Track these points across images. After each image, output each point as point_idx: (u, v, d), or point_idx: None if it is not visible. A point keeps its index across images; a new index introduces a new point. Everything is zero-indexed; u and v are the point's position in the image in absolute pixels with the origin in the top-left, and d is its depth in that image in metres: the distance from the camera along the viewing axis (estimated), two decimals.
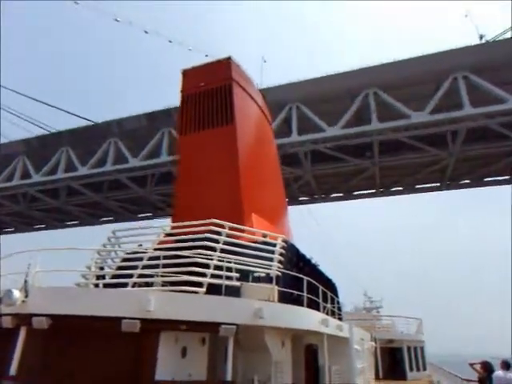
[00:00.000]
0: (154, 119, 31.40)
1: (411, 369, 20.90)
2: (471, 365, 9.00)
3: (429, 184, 33.36)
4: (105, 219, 46.11)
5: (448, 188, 33.00)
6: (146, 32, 41.05)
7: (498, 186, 32.87)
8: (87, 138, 34.79)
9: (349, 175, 32.37)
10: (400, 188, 34.24)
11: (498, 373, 7.85)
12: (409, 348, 21.38)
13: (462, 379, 11.15)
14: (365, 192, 35.12)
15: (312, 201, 36.76)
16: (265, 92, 23.03)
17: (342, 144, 27.43)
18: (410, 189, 33.92)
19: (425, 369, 21.74)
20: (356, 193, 35.52)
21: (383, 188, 34.13)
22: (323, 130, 26.35)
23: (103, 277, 10.33)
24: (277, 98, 25.86)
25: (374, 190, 34.46)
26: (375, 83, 26.19)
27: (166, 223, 12.21)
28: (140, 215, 44.98)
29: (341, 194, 36.10)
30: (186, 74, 15.24)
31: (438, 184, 33.00)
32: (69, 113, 40.86)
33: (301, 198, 36.23)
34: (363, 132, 25.70)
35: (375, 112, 25.19)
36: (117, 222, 44.27)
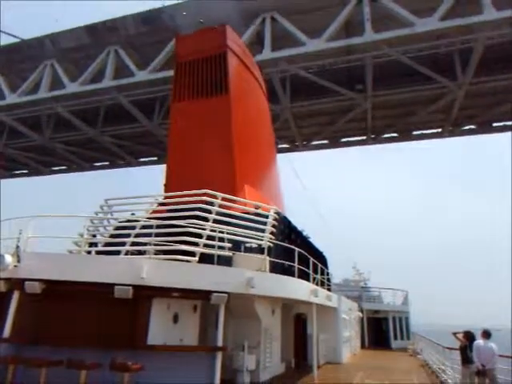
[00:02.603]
0: (97, 34, 24.04)
1: (395, 338, 21.77)
2: (454, 334, 9.35)
3: (428, 130, 28.07)
4: (55, 169, 37.52)
5: (451, 134, 27.39)
6: None
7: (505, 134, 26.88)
8: (15, 61, 26.74)
9: (335, 114, 25.96)
10: (394, 134, 28.26)
11: (479, 341, 8.19)
12: (394, 318, 22.18)
13: (444, 347, 11.62)
14: (354, 139, 29.43)
15: (292, 149, 30.29)
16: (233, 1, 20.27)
17: (328, 67, 21.24)
18: (405, 135, 28.20)
19: (409, 338, 22.66)
20: (344, 140, 29.62)
21: (375, 134, 28.14)
22: (303, 43, 19.89)
23: (96, 244, 10.37)
24: (246, 7, 20.68)
25: (364, 137, 28.60)
26: None
27: (158, 193, 12.15)
28: (96, 164, 36.21)
29: (325, 141, 29.80)
30: (180, 39, 14.74)
31: (440, 130, 27.36)
32: None
33: (279, 146, 28.55)
34: (354, 46, 19.65)
35: (369, 20, 19.01)
36: (69, 172, 36.79)
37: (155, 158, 33.87)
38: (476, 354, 7.90)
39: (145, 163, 34.85)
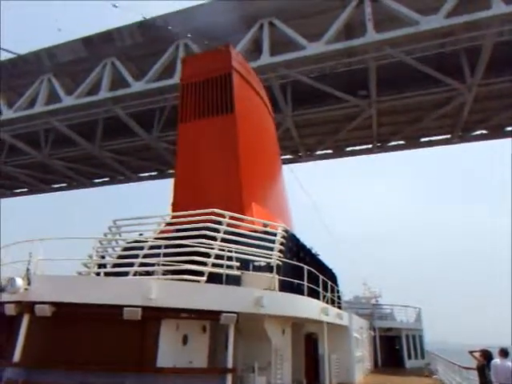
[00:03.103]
0: (93, 46, 23.55)
1: (409, 357, 21.16)
2: (471, 352, 9.09)
3: (437, 137, 26.71)
4: (55, 186, 36.71)
5: (460, 140, 25.87)
6: None
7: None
8: (12, 76, 26.20)
9: (338, 123, 24.92)
10: (401, 142, 27.01)
11: (496, 361, 7.95)
12: (407, 336, 21.61)
13: (460, 367, 11.27)
14: (359, 148, 28.24)
15: (295, 159, 29.00)
16: (228, 5, 19.81)
17: (329, 71, 20.10)
18: (412, 142, 26.94)
19: (423, 357, 22.01)
20: (349, 149, 28.42)
21: (380, 142, 26.99)
22: (303, 47, 19.16)
23: (104, 265, 10.39)
24: (244, 12, 20.26)
25: (370, 145, 27.47)
26: None
27: (166, 213, 12.21)
28: (96, 180, 35.40)
29: (330, 151, 28.76)
30: (186, 61, 15.12)
31: (448, 136, 26.03)
32: None
33: (282, 157, 24.92)
34: (355, 48, 18.68)
35: (371, 20, 18.13)
36: (70, 189, 35.93)
37: (155, 173, 33.21)
38: (494, 373, 7.67)
39: (145, 178, 34.14)
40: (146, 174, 33.95)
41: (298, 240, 12.53)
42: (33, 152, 29.49)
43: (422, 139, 26.88)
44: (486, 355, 8.34)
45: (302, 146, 27.83)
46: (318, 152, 28.62)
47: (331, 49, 19.16)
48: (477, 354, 8.66)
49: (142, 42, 22.53)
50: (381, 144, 27.16)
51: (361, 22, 18.80)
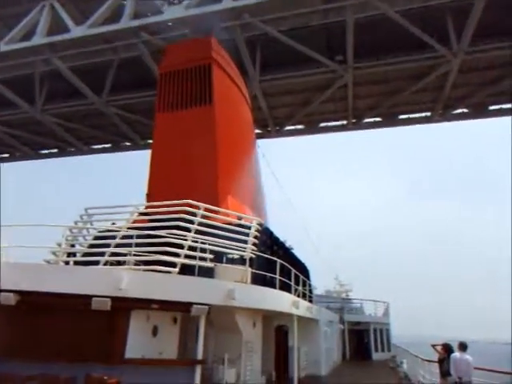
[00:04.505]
0: None
1: (376, 350, 21.87)
2: (433, 346, 9.49)
3: (416, 114, 24.42)
4: None
5: (441, 118, 23.85)
6: None
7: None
8: None
9: (311, 92, 22.05)
10: (378, 119, 24.63)
11: (456, 354, 8.32)
12: (375, 330, 22.30)
13: (423, 360, 11.76)
14: (333, 124, 25.62)
15: (264, 134, 25.72)
16: None
17: (302, 25, 17.52)
18: (390, 120, 24.64)
19: (389, 350, 22.79)
20: (322, 125, 25.71)
21: (356, 118, 24.46)
22: None
23: (74, 254, 10.14)
24: None
25: (344, 122, 24.94)
26: None
27: (140, 202, 12.02)
28: (43, 151, 30.84)
29: (301, 126, 25.89)
30: (167, 50, 14.84)
31: (429, 114, 23.96)
32: None
33: None
34: None
35: None
36: (13, 160, 31.10)
37: (109, 145, 29.33)
38: (453, 366, 8.02)
39: (97, 151, 30.10)
40: (99, 146, 29.78)
41: (271, 233, 12.63)
42: None
43: (401, 116, 24.62)
44: (447, 348, 8.71)
45: (271, 118, 24.72)
46: (289, 127, 25.84)
47: None
48: (438, 348, 9.03)
49: None
50: (356, 120, 24.65)
51: None
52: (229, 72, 14.86)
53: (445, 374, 8.46)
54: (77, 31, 18.55)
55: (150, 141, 26.27)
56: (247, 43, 18.30)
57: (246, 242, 9.98)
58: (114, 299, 6.68)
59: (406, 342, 24.15)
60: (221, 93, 13.57)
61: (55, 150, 30.76)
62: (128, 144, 28.69)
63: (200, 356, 7.21)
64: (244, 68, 19.10)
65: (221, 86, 13.82)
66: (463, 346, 8.22)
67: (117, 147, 29.44)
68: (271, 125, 25.37)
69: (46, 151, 31.12)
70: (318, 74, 20.24)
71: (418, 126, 25.64)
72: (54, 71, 20.86)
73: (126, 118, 24.23)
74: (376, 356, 21.35)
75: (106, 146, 29.64)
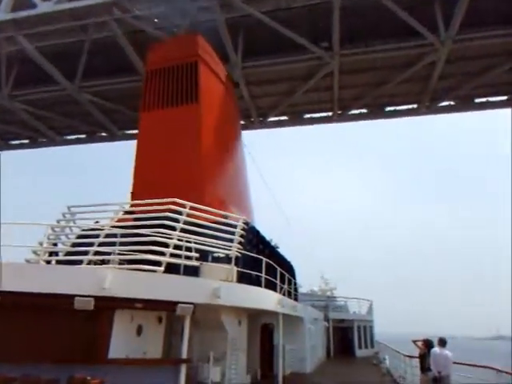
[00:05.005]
0: None
1: (360, 347, 22.21)
2: (414, 342, 9.71)
3: (403, 106, 23.93)
4: None
5: (427, 111, 23.40)
6: None
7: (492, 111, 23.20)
8: None
9: (295, 80, 21.21)
10: (364, 110, 24.02)
11: (435, 349, 8.55)
12: (359, 327, 22.64)
13: (404, 355, 12.00)
14: (318, 115, 24.92)
15: (247, 126, 24.57)
16: None
17: (285, 5, 16.34)
18: (376, 112, 23.93)
19: (372, 346, 23.18)
20: (307, 116, 24.94)
21: (342, 110, 23.70)
22: None
23: (56, 253, 9.96)
24: None
25: (330, 113, 24.13)
26: None
27: (124, 200, 11.88)
28: (13, 142, 28.79)
29: (285, 118, 25.05)
30: (153, 48, 14.71)
31: (415, 106, 23.42)
32: None
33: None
34: None
35: None
36: None
37: (84, 136, 27.52)
38: (432, 361, 8.23)
39: (72, 142, 28.16)
40: (74, 137, 27.88)
41: (257, 232, 12.67)
42: None
43: (387, 108, 24.06)
44: (427, 344, 8.92)
45: (254, 108, 23.66)
46: (272, 118, 24.88)
47: None
48: (419, 343, 9.24)
49: None
50: (342, 112, 23.99)
51: None
52: (214, 68, 14.84)
53: (425, 369, 8.66)
54: (43, 7, 17.32)
55: (129, 131, 25.32)
56: (229, 28, 17.12)
57: (231, 240, 9.99)
58: (98, 299, 6.60)
59: (389, 339, 24.56)
60: (207, 90, 13.54)
61: (27, 141, 28.57)
62: (104, 135, 26.72)
63: (185, 355, 7.19)
64: (226, 54, 17.90)
65: (207, 83, 13.78)
66: (442, 342, 8.45)
67: (92, 138, 27.54)
68: (254, 115, 24.26)
69: (16, 142, 28.87)
70: (303, 61, 19.29)
71: (404, 118, 25.05)
72: (23, 54, 19.30)
73: (101, 105, 22.45)
74: (359, 353, 21.68)
75: (81, 136, 27.68)
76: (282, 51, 18.98)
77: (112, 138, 26.56)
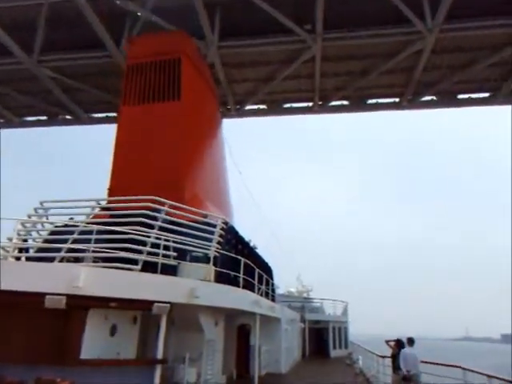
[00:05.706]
0: None
1: (334, 347, 22.51)
2: (387, 342, 9.93)
3: (384, 99, 23.23)
4: None
5: (409, 105, 22.90)
6: None
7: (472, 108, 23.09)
8: None
9: (275, 65, 19.87)
10: (345, 102, 23.29)
11: (405, 349, 8.83)
12: (334, 328, 22.95)
13: (377, 355, 12.24)
14: (297, 106, 23.75)
15: (224, 113, 22.70)
16: None
17: None
18: (357, 104, 23.30)
19: (346, 347, 23.53)
20: (286, 105, 23.77)
21: (322, 100, 22.78)
22: None
23: (27, 250, 9.59)
24: None
25: (310, 103, 23.11)
26: None
27: (101, 196, 11.56)
28: None
29: (263, 106, 23.69)
30: (133, 41, 14.41)
31: (397, 99, 22.85)
32: None
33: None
34: None
35: None
36: None
37: (44, 118, 25.05)
38: (402, 360, 8.46)
39: (30, 124, 25.81)
40: (33, 118, 25.47)
41: (236, 232, 12.63)
42: None
43: (369, 101, 23.40)
44: (399, 344, 9.15)
45: (231, 94, 22.20)
46: (250, 106, 23.40)
47: None
48: (392, 343, 9.45)
49: None
50: (322, 103, 23.03)
51: None
52: (197, 65, 14.69)
53: (397, 368, 8.87)
54: None
55: (96, 115, 23.68)
56: (206, 6, 15.77)
57: (210, 240, 9.89)
58: (70, 297, 6.37)
59: (364, 340, 25.01)
60: (189, 88, 13.40)
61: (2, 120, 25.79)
62: (69, 117, 24.13)
63: (160, 355, 7.06)
64: (201, 32, 16.36)
65: (189, 80, 13.64)
66: (411, 341, 8.73)
67: (55, 120, 24.89)
68: (231, 102, 22.74)
69: None
70: (284, 43, 18.02)
71: (385, 112, 24.48)
72: None
73: (63, 83, 20.13)
74: (334, 353, 21.96)
75: (42, 118, 25.05)
76: (263, 33, 17.82)
77: (77, 121, 24.13)
